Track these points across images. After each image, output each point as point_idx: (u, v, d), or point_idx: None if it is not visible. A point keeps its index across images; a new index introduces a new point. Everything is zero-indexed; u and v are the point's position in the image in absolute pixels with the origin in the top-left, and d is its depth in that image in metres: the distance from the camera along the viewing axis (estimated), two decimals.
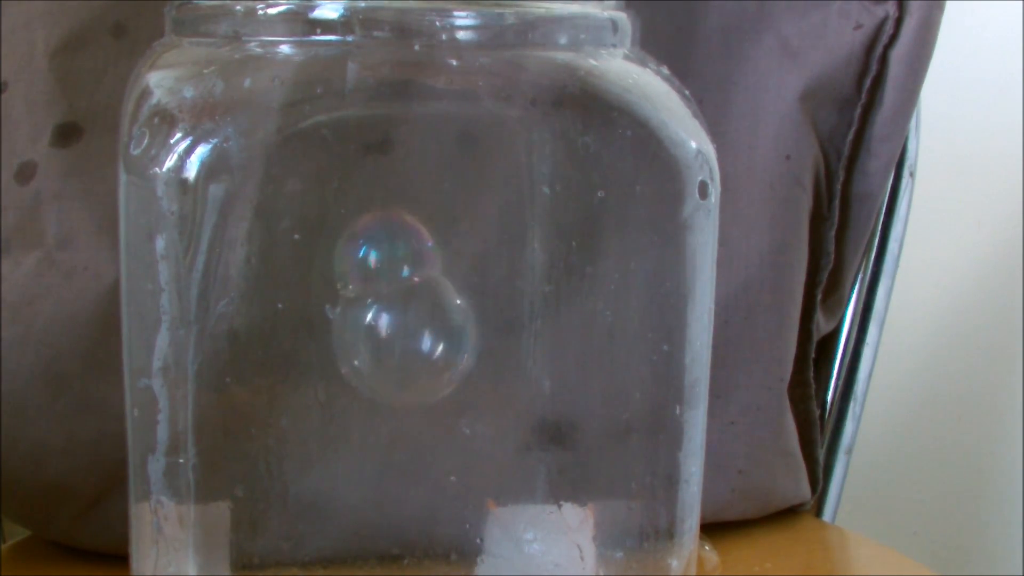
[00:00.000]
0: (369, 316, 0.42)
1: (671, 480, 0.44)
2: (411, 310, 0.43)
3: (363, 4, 0.39)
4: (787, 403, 0.66)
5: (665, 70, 0.43)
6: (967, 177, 0.98)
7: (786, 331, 0.65)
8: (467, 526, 0.46)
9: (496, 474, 0.47)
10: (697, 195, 0.42)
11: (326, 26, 0.40)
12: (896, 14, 0.64)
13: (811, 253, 0.66)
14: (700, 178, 0.42)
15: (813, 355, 0.68)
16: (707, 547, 0.63)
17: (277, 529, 0.45)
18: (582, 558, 0.46)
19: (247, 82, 0.40)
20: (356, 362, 0.43)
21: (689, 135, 0.42)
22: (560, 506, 0.46)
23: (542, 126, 0.42)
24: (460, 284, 0.44)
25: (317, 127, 0.41)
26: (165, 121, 0.39)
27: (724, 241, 0.44)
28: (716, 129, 0.44)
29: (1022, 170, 0.97)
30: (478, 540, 0.46)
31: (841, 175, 0.66)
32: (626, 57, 0.43)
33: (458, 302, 0.43)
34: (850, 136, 0.65)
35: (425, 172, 0.44)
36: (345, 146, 0.42)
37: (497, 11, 0.40)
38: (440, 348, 0.43)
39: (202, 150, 0.39)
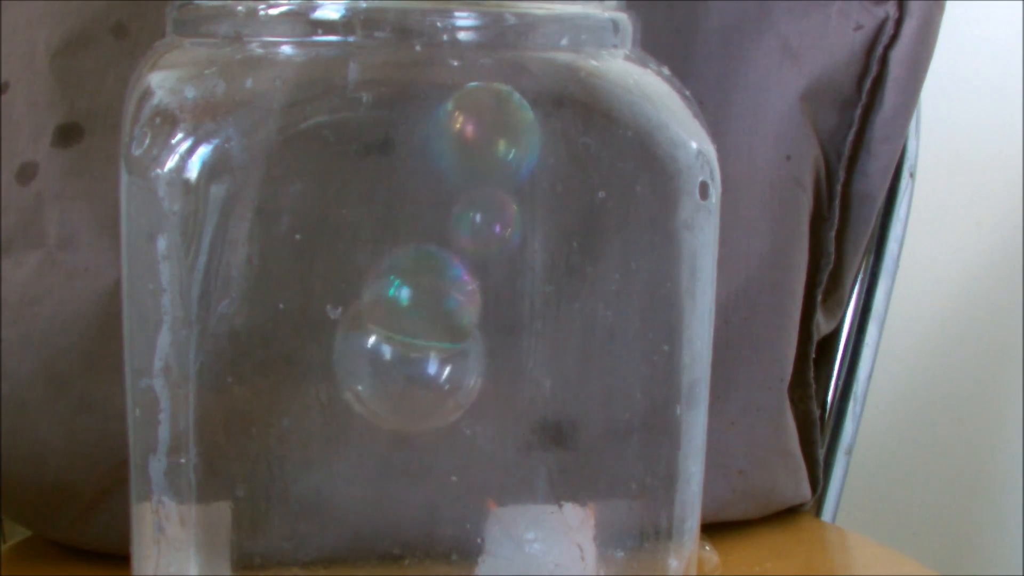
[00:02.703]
0: (371, 340, 0.42)
1: (671, 480, 0.44)
2: None
3: (364, 5, 0.39)
4: (787, 403, 0.67)
5: (665, 70, 0.43)
6: (967, 177, 0.98)
7: (786, 331, 0.65)
8: (468, 526, 0.46)
9: (497, 474, 0.47)
10: (698, 195, 0.42)
11: (327, 27, 0.40)
12: (896, 14, 0.64)
13: (811, 253, 0.66)
14: (701, 178, 0.42)
15: (813, 355, 0.68)
16: (707, 547, 0.63)
17: (278, 529, 0.45)
18: (583, 558, 0.46)
19: (248, 82, 0.40)
20: (359, 387, 0.42)
21: (690, 136, 0.42)
22: (561, 506, 0.46)
23: (543, 127, 0.42)
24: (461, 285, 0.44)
25: (318, 128, 0.41)
26: (167, 121, 0.39)
27: (724, 241, 0.44)
28: (716, 129, 0.44)
29: (1022, 170, 0.97)
30: (479, 540, 0.46)
31: (841, 175, 0.66)
32: (627, 58, 0.43)
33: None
34: (850, 137, 0.65)
35: (426, 173, 0.44)
36: (346, 147, 0.42)
37: (498, 12, 0.40)
38: (446, 372, 0.43)
39: (203, 150, 0.39)
